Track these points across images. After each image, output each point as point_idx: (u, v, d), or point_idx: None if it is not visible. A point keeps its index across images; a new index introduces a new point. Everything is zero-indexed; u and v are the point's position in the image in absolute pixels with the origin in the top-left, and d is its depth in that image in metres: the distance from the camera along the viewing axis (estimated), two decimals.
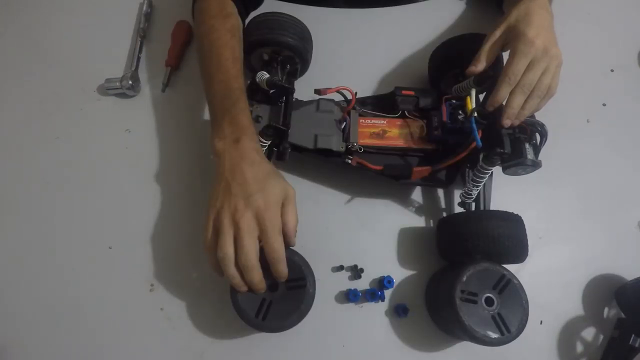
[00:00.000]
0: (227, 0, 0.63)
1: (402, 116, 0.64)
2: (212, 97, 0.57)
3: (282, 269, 0.50)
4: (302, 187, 0.66)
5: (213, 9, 0.61)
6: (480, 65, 0.58)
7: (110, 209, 0.64)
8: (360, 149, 0.61)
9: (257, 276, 0.49)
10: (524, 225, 0.56)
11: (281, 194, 0.50)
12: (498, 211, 0.57)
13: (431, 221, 0.65)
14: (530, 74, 0.54)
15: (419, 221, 0.65)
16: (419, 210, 0.66)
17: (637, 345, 0.56)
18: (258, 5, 0.70)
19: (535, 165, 0.56)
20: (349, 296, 0.59)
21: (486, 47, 0.58)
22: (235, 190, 0.49)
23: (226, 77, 0.57)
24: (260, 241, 0.49)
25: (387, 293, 0.60)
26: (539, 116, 0.59)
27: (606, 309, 0.62)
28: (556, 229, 0.66)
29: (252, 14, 0.69)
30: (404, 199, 0.66)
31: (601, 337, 0.60)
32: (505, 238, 0.53)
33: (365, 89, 0.72)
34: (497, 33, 0.58)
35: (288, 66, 0.67)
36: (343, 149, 0.61)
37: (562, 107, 0.62)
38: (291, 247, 0.56)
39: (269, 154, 0.59)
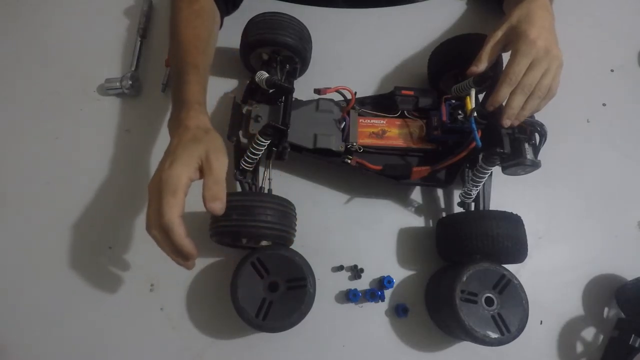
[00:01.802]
0: None
1: (402, 116, 0.64)
2: (172, 76, 0.56)
3: (177, 239, 0.44)
4: (302, 187, 0.66)
5: None
6: (481, 65, 0.58)
7: (110, 209, 0.64)
8: (360, 149, 0.61)
9: (170, 242, 0.45)
10: (524, 225, 0.56)
11: (195, 151, 0.47)
12: (497, 211, 0.57)
13: (431, 221, 0.65)
14: (531, 75, 0.54)
15: (418, 221, 0.65)
16: (419, 210, 0.66)
17: (637, 345, 0.56)
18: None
19: (535, 165, 0.56)
20: (349, 296, 0.59)
21: (487, 48, 0.58)
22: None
23: (183, 53, 0.55)
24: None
25: (387, 293, 0.60)
26: (539, 116, 0.59)
27: (606, 309, 0.62)
28: (556, 229, 0.66)
29: (249, 14, 0.69)
30: (403, 199, 0.66)
31: (601, 337, 0.60)
32: (504, 238, 0.53)
33: (365, 89, 0.72)
34: (499, 33, 0.58)
35: (287, 66, 0.67)
36: (342, 149, 0.61)
37: (562, 107, 0.62)
38: (291, 247, 0.56)
39: (268, 154, 0.59)
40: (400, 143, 0.62)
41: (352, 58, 0.75)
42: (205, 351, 0.57)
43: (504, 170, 0.58)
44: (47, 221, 0.63)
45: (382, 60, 0.75)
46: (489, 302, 0.53)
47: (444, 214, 0.65)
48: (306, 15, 0.70)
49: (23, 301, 0.59)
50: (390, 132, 0.63)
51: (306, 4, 0.78)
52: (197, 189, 0.65)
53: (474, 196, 0.59)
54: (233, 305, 0.52)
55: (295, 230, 0.57)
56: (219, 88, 0.71)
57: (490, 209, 0.60)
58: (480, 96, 0.63)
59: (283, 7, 0.75)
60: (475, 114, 0.55)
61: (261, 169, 0.61)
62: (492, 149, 0.55)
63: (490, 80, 0.57)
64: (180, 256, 0.46)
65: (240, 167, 0.58)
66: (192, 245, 0.45)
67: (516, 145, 0.56)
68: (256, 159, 0.58)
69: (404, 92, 0.64)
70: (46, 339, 0.57)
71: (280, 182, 0.63)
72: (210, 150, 0.47)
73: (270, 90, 0.60)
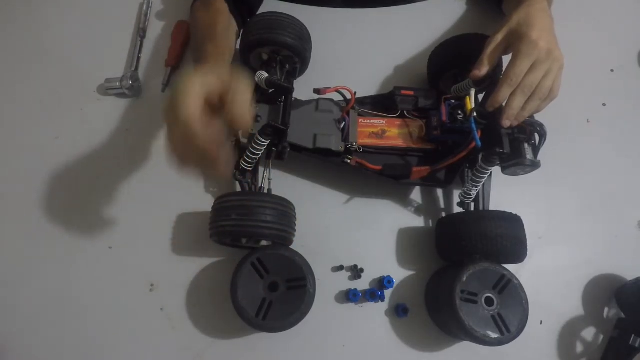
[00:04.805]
0: None
1: (402, 116, 0.64)
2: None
3: (197, 138, 0.39)
4: (302, 187, 0.66)
5: (199, 6, 0.65)
6: (483, 69, 0.57)
7: (110, 209, 0.64)
8: (360, 149, 0.61)
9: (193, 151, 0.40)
10: (523, 225, 0.56)
11: (214, 71, 0.42)
12: (497, 211, 0.57)
13: (430, 221, 0.65)
14: (531, 76, 0.54)
15: (418, 221, 0.65)
16: (418, 211, 0.66)
17: (637, 345, 0.56)
18: (253, 13, 0.70)
19: (534, 165, 0.56)
20: (349, 296, 0.59)
21: (488, 52, 0.57)
22: None
23: (200, 42, 0.60)
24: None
25: (387, 293, 0.60)
26: (539, 116, 0.59)
27: (606, 309, 0.62)
28: (556, 229, 0.66)
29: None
30: (403, 199, 0.66)
31: (601, 337, 0.60)
32: (504, 238, 0.53)
33: (365, 88, 0.72)
34: (499, 37, 0.57)
35: (287, 66, 0.67)
36: (342, 149, 0.61)
37: (562, 107, 0.62)
38: (291, 247, 0.56)
39: (268, 154, 0.59)
40: (400, 143, 0.62)
41: (352, 58, 0.75)
42: (205, 351, 0.57)
43: (503, 170, 0.58)
44: (47, 221, 0.63)
45: (382, 60, 0.75)
46: (489, 302, 0.52)
47: (443, 214, 0.65)
48: (306, 15, 0.70)
49: (23, 301, 0.59)
50: (390, 132, 0.62)
51: (306, 4, 0.78)
52: (196, 190, 0.65)
53: (473, 196, 0.59)
54: (233, 305, 0.52)
55: (295, 230, 0.57)
56: None
57: (490, 209, 0.60)
58: (480, 96, 0.63)
59: (283, 7, 0.75)
60: (475, 114, 0.55)
61: (261, 169, 0.61)
62: (492, 149, 0.55)
63: (490, 80, 0.57)
64: (207, 161, 0.41)
65: (240, 167, 0.58)
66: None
67: (516, 146, 0.56)
68: (256, 158, 0.58)
69: (403, 92, 0.64)
70: (46, 339, 0.57)
71: (280, 182, 0.63)
72: (230, 73, 0.42)
73: (270, 90, 0.60)
